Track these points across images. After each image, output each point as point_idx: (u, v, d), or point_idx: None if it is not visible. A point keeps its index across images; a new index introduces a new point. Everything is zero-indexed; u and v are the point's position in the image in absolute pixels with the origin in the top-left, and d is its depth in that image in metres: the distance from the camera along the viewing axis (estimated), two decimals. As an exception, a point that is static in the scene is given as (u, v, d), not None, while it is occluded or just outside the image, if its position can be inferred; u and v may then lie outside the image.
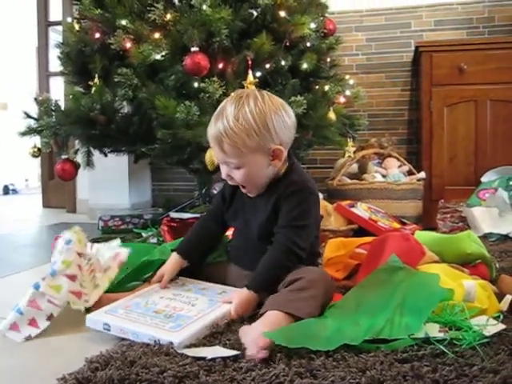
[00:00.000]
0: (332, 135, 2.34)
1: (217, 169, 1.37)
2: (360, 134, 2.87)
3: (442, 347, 0.88)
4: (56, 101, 2.25)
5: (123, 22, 2.06)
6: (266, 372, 0.80)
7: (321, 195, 1.52)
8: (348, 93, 2.55)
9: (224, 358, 0.85)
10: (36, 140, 2.27)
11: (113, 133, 2.13)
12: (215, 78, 1.93)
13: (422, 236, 1.42)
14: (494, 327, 0.96)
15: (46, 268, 1.70)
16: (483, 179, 2.46)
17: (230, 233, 1.38)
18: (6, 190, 5.83)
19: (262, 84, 1.99)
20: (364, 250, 1.40)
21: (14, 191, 5.91)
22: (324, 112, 2.21)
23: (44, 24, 3.82)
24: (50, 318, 1.08)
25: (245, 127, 1.09)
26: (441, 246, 1.35)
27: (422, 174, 2.51)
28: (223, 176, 1.19)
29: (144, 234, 2.15)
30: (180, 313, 1.05)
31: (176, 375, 0.79)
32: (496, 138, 2.62)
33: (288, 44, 2.17)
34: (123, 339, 0.98)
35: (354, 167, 2.61)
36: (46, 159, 3.78)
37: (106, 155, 2.48)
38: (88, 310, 1.11)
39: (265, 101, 1.12)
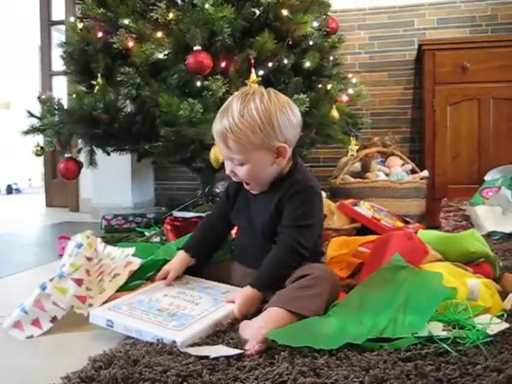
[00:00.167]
0: (335, 133, 2.34)
1: (221, 166, 1.37)
2: (363, 132, 2.87)
3: (445, 346, 0.87)
4: (59, 100, 2.25)
5: (126, 21, 2.06)
6: (270, 371, 0.80)
7: (324, 194, 1.52)
8: (351, 91, 2.55)
9: (227, 357, 0.85)
10: (39, 139, 2.27)
11: (116, 131, 2.13)
12: (218, 76, 1.93)
13: (425, 235, 1.42)
14: (497, 326, 0.96)
15: (50, 267, 1.71)
16: (486, 178, 2.45)
17: (233, 231, 1.38)
18: (10, 190, 5.85)
19: (265, 82, 1.98)
20: (367, 248, 1.40)
21: (17, 190, 5.92)
22: (327, 110, 2.21)
23: (47, 23, 3.83)
24: (53, 320, 1.08)
25: (250, 124, 1.10)
26: (444, 244, 1.34)
27: (425, 173, 2.51)
28: (227, 172, 1.20)
29: (147, 233, 2.16)
30: (183, 312, 1.05)
31: (179, 374, 0.79)
32: (499, 136, 2.61)
33: (290, 42, 2.17)
34: (127, 338, 0.99)
35: (357, 166, 2.61)
36: (49, 158, 3.80)
37: (108, 154, 2.49)
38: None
39: (271, 98, 1.13)
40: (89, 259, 1.19)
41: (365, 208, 2.09)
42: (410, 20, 3.12)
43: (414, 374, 0.78)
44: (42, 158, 3.40)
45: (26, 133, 2.20)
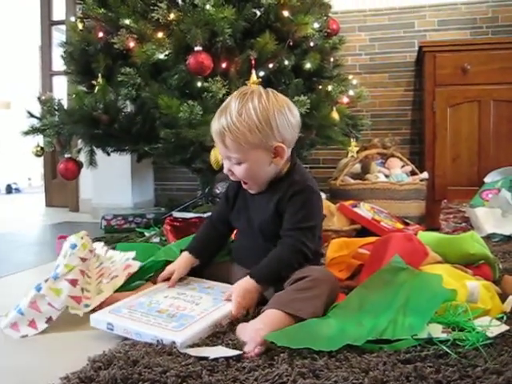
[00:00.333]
0: (335, 135, 2.35)
1: (221, 168, 1.37)
2: (363, 134, 2.87)
3: (445, 348, 0.87)
4: (59, 100, 2.25)
5: (127, 22, 2.06)
6: (269, 372, 0.80)
7: (323, 195, 1.52)
8: (351, 93, 2.55)
9: (227, 358, 0.85)
10: (39, 139, 2.27)
11: (116, 132, 2.13)
12: (218, 78, 1.93)
13: (425, 236, 1.42)
14: (497, 328, 0.96)
15: (49, 267, 1.71)
16: (486, 180, 2.45)
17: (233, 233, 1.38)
18: (9, 189, 5.85)
19: (266, 84, 1.98)
20: (367, 250, 1.40)
21: (17, 190, 5.92)
22: (327, 112, 2.21)
23: (47, 23, 3.83)
24: (49, 320, 1.09)
25: (247, 123, 1.10)
26: (444, 246, 1.34)
27: (425, 175, 2.51)
28: (225, 170, 1.20)
29: (147, 234, 2.16)
30: (183, 312, 1.05)
31: (179, 375, 0.79)
32: (499, 138, 2.61)
33: (291, 44, 2.17)
34: (126, 339, 0.99)
35: (357, 167, 2.61)
36: (49, 158, 3.79)
37: (108, 154, 2.48)
38: (92, 310, 1.11)
39: (269, 98, 1.13)
40: (83, 260, 1.19)
41: (365, 209, 2.09)
42: (410, 22, 3.12)
43: (414, 376, 0.78)
44: (42, 158, 3.41)
45: (26, 133, 2.20)
